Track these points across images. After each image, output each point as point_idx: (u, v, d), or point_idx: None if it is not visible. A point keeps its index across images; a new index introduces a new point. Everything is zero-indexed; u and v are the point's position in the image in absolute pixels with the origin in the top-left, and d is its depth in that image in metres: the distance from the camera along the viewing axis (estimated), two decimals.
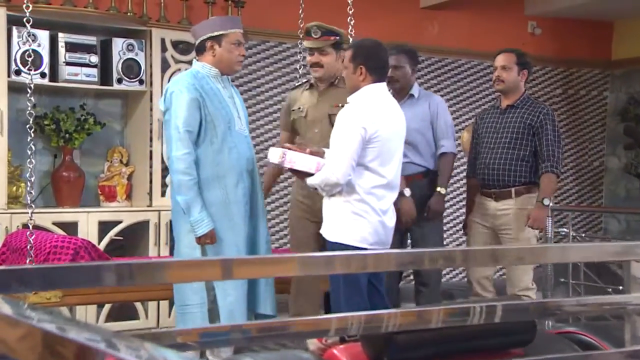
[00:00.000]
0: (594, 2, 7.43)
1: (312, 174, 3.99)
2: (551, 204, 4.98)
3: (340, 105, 4.53)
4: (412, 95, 5.11)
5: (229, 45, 4.30)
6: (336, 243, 4.00)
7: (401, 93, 5.05)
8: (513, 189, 4.90)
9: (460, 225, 5.52)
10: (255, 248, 4.40)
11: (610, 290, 5.96)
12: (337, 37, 4.66)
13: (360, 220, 3.99)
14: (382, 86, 4.15)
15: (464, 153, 6.74)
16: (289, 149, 4.07)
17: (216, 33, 4.29)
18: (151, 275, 2.09)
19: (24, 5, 3.99)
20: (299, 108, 4.76)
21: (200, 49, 4.32)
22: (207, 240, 4.14)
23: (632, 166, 7.95)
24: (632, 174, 8.01)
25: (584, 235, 6.92)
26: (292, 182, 5.26)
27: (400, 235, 4.86)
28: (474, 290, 5.03)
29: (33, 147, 3.99)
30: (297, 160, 4.02)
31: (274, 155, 4.05)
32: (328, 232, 4.10)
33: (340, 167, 3.90)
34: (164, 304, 5.71)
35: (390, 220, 4.14)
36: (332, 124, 4.53)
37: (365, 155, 3.97)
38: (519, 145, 4.88)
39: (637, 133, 7.99)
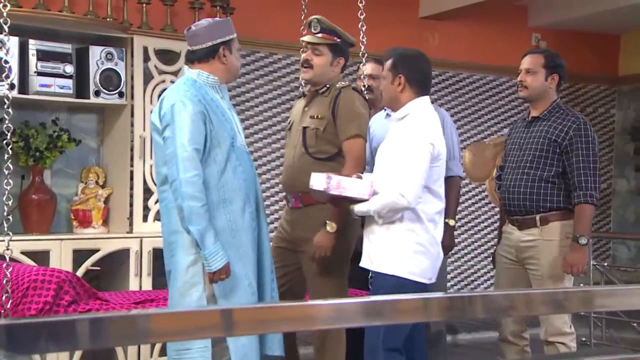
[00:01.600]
0: (599, 14, 7.15)
1: (365, 200, 3.68)
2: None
3: (316, 116, 4.12)
4: None
5: (236, 52, 3.89)
6: (393, 276, 3.68)
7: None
8: (537, 217, 4.26)
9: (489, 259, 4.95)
10: (260, 281, 3.89)
11: (635, 324, 5.47)
12: (338, 40, 4.22)
13: (422, 252, 3.72)
14: (428, 100, 3.86)
15: (466, 175, 6.25)
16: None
17: (228, 37, 3.84)
18: (138, 334, 1.73)
19: (1, 5, 3.46)
20: (288, 120, 4.43)
21: (209, 55, 3.82)
22: (222, 275, 3.63)
23: None
24: None
25: (606, 264, 6.44)
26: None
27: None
28: (507, 339, 4.43)
29: (11, 166, 3.63)
30: (347, 185, 3.69)
31: (319, 181, 3.69)
32: (380, 263, 3.73)
33: (411, 189, 3.61)
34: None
35: (441, 252, 3.86)
36: (303, 138, 4.15)
37: (430, 175, 3.70)
38: (542, 165, 4.25)
39: None
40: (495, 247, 4.64)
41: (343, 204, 3.79)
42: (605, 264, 6.55)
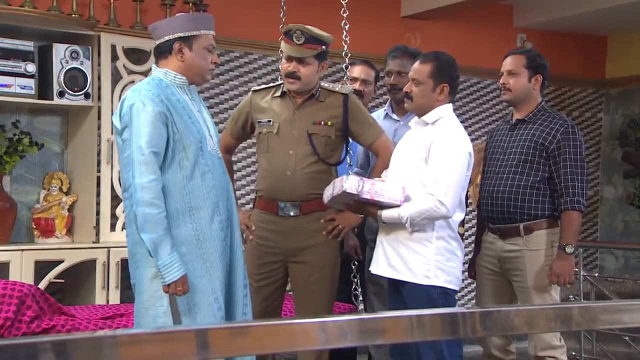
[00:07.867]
0: (586, 14, 7.00)
1: (395, 205, 3.61)
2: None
3: (322, 123, 3.92)
4: None
5: (201, 50, 3.60)
6: (430, 286, 3.64)
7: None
8: (521, 225, 4.08)
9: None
10: (231, 296, 3.66)
11: (627, 338, 5.27)
12: (323, 47, 3.98)
13: (454, 259, 3.71)
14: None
15: None
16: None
17: (187, 33, 3.58)
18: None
19: None
20: (269, 121, 4.04)
21: (165, 51, 3.61)
22: (178, 288, 3.40)
23: (636, 196, 7.34)
24: (635, 206, 7.46)
25: (597, 275, 6.25)
26: None
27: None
28: (492, 355, 4.24)
29: None
30: (380, 190, 3.59)
31: (352, 184, 3.56)
32: (414, 273, 3.66)
33: (450, 197, 3.58)
34: None
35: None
36: (312, 145, 3.92)
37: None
38: (527, 169, 4.07)
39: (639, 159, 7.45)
40: (470, 258, 4.47)
41: (369, 209, 3.70)
42: (597, 274, 6.37)
